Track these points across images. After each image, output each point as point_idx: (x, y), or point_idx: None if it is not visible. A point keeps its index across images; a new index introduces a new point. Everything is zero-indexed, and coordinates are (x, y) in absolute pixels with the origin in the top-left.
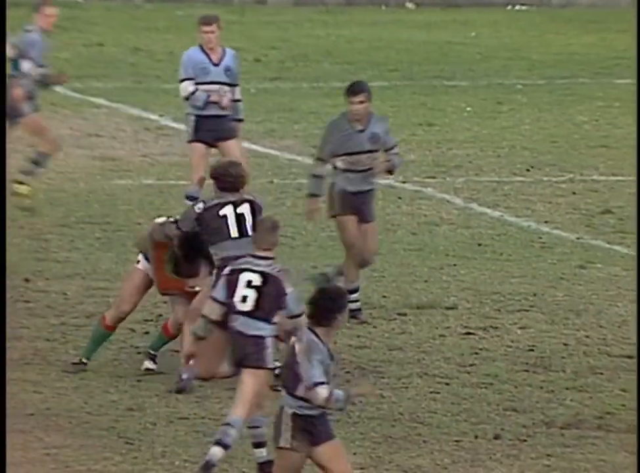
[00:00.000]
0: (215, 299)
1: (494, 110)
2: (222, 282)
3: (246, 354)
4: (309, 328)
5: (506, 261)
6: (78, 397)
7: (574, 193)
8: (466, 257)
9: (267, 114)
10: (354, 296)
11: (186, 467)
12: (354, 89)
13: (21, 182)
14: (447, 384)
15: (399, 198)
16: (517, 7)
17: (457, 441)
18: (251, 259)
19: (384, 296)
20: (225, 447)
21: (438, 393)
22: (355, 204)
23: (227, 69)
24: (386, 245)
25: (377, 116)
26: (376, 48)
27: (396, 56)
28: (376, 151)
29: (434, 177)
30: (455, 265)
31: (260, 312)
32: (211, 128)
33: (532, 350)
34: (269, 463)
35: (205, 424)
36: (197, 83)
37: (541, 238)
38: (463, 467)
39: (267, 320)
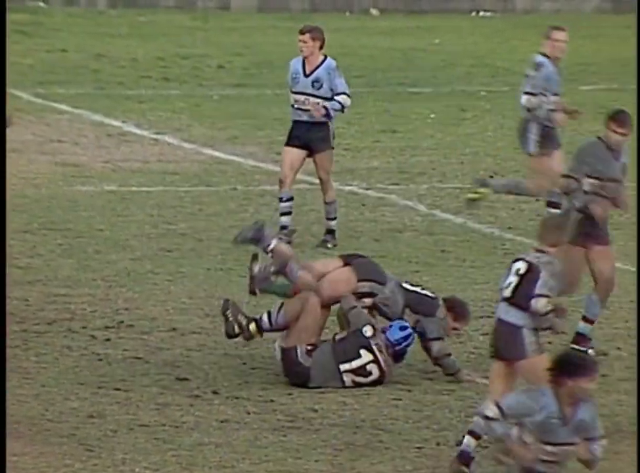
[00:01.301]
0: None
1: (458, 117)
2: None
3: (502, 343)
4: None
5: (469, 268)
6: (39, 404)
7: (538, 200)
8: (430, 264)
9: (230, 121)
10: None
11: None
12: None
13: None
14: (409, 391)
15: (363, 204)
16: (481, 13)
17: (418, 448)
18: (532, 252)
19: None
20: (477, 437)
21: (400, 399)
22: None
23: (316, 81)
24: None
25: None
26: (340, 54)
27: (360, 63)
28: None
29: (397, 184)
30: (418, 271)
31: (516, 299)
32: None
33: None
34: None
35: (166, 432)
36: (291, 92)
37: (504, 244)
38: None
39: (523, 309)
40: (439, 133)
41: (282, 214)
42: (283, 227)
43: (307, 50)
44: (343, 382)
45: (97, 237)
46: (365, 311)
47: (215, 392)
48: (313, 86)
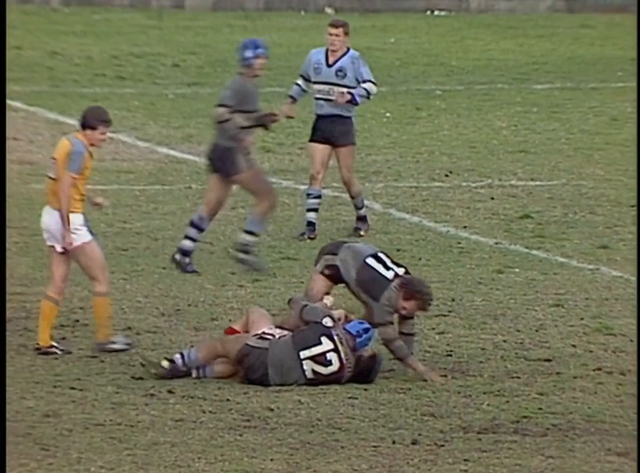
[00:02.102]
0: None
1: (413, 116)
2: None
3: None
4: None
5: (424, 266)
6: None
7: (493, 198)
8: None
9: (185, 120)
10: None
11: None
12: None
13: None
14: (365, 390)
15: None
16: (436, 13)
17: (374, 446)
18: None
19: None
20: None
21: (356, 398)
22: None
23: (339, 70)
24: (305, 251)
25: None
26: (295, 53)
27: None
28: None
29: None
30: None
31: None
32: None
33: (450, 355)
34: None
35: (121, 431)
36: (312, 83)
37: (459, 243)
38: (380, 472)
39: None
40: (394, 132)
41: (310, 210)
42: (310, 223)
43: (338, 44)
44: (303, 371)
45: None
46: (319, 305)
47: (170, 391)
48: (337, 75)
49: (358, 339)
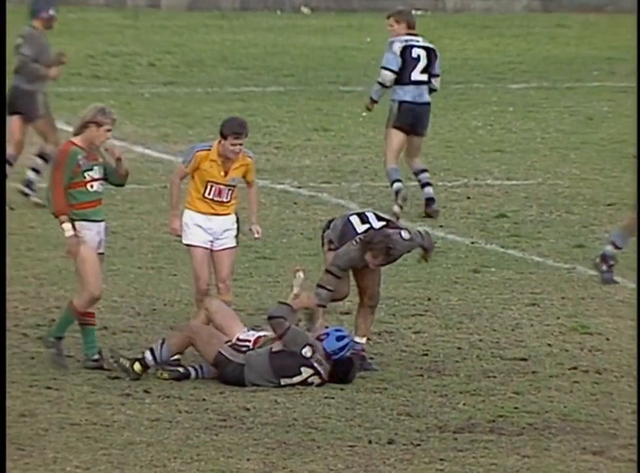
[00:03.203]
0: None
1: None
2: None
3: None
4: None
5: (400, 266)
6: None
7: (469, 197)
8: None
9: (161, 119)
10: None
11: None
12: None
13: None
14: (342, 389)
15: (295, 203)
16: (412, 12)
17: (351, 446)
18: None
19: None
20: None
21: (332, 398)
22: None
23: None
24: (281, 250)
25: None
26: (271, 53)
27: (291, 62)
28: None
29: (329, 182)
30: None
31: None
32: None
33: (426, 354)
34: None
35: (97, 431)
36: None
37: (435, 242)
38: (357, 472)
39: None
40: (371, 132)
41: (424, 185)
42: (429, 199)
43: (392, 33)
44: (282, 386)
45: (29, 235)
46: (300, 329)
47: (146, 391)
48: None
49: (335, 357)
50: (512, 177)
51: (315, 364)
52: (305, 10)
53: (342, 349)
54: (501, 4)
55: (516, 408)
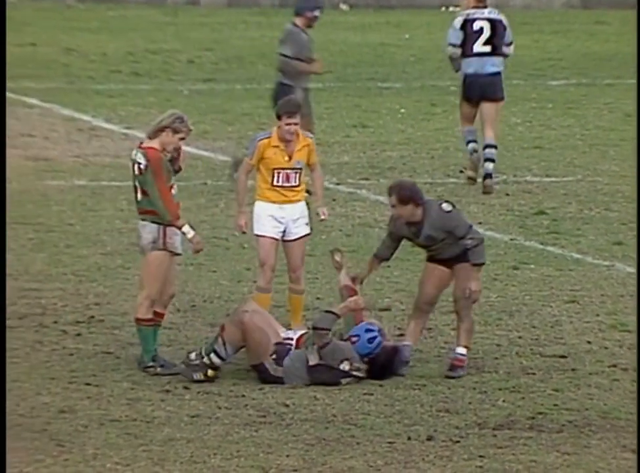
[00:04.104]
0: None
1: (428, 112)
2: None
3: None
4: None
5: None
6: (10, 399)
7: (508, 194)
8: (400, 259)
9: (200, 116)
10: None
11: (117, 469)
12: None
13: None
14: (381, 386)
15: (334, 199)
16: (450, 9)
17: (390, 442)
18: None
19: (318, 298)
20: None
21: (371, 394)
22: None
23: None
24: (320, 247)
25: None
26: None
27: (330, 58)
28: None
29: (367, 179)
30: (388, 266)
31: None
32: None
33: None
34: None
35: (137, 427)
36: None
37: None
38: (396, 468)
39: None
40: (409, 128)
41: (486, 160)
42: (487, 175)
43: (463, 8)
44: None
45: (68, 232)
46: (340, 344)
47: (186, 387)
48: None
49: (368, 358)
50: (551, 174)
51: (354, 373)
52: (343, 6)
53: (374, 348)
54: (540, 1)
55: (555, 405)
